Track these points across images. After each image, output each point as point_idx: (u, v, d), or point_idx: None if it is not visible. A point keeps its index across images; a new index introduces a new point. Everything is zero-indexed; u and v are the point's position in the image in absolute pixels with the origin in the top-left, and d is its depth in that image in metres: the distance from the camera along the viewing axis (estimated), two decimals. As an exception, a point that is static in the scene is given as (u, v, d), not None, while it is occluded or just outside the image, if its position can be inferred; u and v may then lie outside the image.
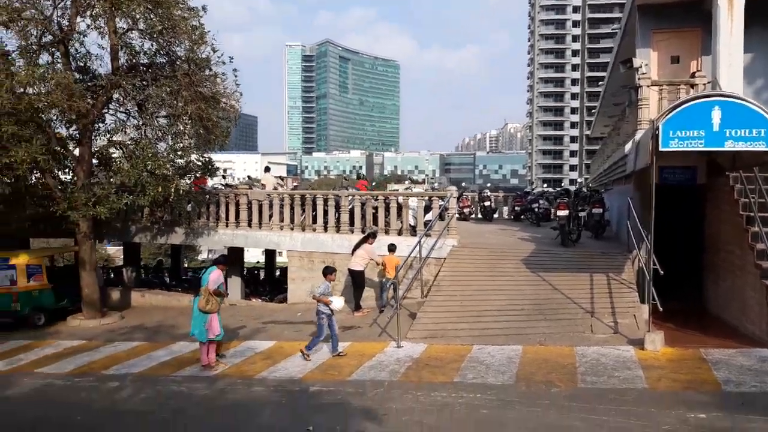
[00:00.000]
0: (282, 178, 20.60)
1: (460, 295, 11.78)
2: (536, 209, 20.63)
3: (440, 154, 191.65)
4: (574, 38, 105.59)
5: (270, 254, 24.80)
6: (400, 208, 15.34)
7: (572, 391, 7.44)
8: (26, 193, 15.37)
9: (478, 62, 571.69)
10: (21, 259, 14.89)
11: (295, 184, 25.16)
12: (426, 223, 14.78)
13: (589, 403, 6.91)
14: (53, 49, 14.91)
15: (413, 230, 15.01)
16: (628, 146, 13.23)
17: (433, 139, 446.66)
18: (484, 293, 11.64)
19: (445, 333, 10.43)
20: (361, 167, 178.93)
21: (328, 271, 10.26)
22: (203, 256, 56.87)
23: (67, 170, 16.19)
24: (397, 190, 23.35)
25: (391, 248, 13.16)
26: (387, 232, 15.03)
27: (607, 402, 6.96)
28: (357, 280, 13.40)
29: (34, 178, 15.64)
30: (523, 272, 12.34)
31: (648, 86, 12.73)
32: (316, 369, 9.15)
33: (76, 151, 15.37)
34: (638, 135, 12.26)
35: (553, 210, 20.94)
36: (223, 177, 18.74)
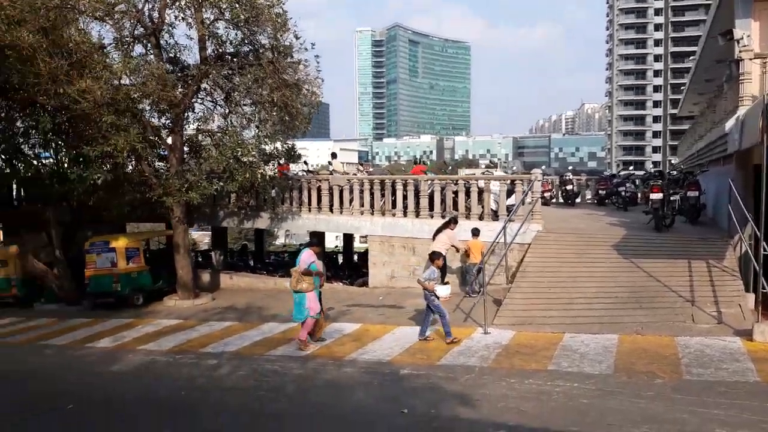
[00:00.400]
0: (361, 164, 20.82)
1: (548, 281, 11.49)
2: (623, 193, 19.76)
3: (513, 137, 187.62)
4: (657, 11, 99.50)
5: (348, 238, 25.20)
6: (480, 192, 15.11)
7: (677, 382, 7.09)
8: (124, 180, 16.31)
9: (553, 40, 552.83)
10: (120, 243, 15.84)
11: (370, 169, 25.40)
12: (508, 208, 14.50)
13: (698, 396, 6.56)
14: (146, 41, 15.64)
15: (495, 215, 14.78)
16: (729, 124, 12.35)
17: (505, 121, 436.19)
18: (574, 280, 11.29)
19: (534, 320, 10.21)
20: (431, 152, 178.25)
21: (436, 257, 10.09)
22: (281, 240, 58.60)
23: (158, 158, 17.06)
24: (474, 174, 23.02)
25: (475, 232, 13.00)
26: (468, 217, 14.86)
27: (716, 395, 6.58)
28: (439, 265, 13.33)
29: (130, 166, 16.59)
30: (614, 258, 11.86)
31: (750, 59, 11.81)
32: (404, 352, 9.21)
33: (169, 140, 16.13)
34: (741, 111, 11.42)
35: (640, 193, 20.05)
36: (305, 163, 19.15)
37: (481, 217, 14.74)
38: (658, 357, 8.03)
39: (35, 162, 17.42)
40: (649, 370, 7.55)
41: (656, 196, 13.64)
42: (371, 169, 26.27)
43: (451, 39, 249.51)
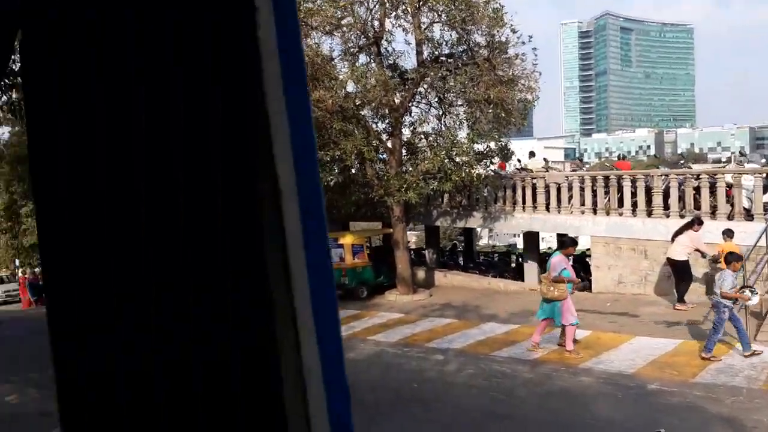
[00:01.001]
0: (580, 160, 19.72)
1: (830, 293, 9.52)
2: None
3: (749, 127, 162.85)
4: None
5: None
6: (729, 187, 13.17)
7: None
8: (350, 181, 17.55)
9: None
10: (347, 239, 17.06)
11: (586, 167, 23.99)
12: (765, 206, 12.42)
13: None
14: (368, 50, 16.59)
15: (748, 214, 12.75)
16: None
17: (739, 110, 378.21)
18: None
19: (813, 339, 8.51)
20: (648, 147, 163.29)
21: (734, 259, 8.45)
22: (484, 240, 58.26)
23: (378, 160, 18.00)
24: (724, 167, 20.31)
25: (729, 234, 11.24)
26: (713, 217, 13.03)
27: None
28: (679, 270, 11.94)
29: (354, 169, 17.78)
30: None
31: None
32: (649, 365, 8.31)
33: (389, 143, 16.92)
34: None
35: None
36: (518, 161, 18.70)
37: (729, 217, 12.81)
38: None
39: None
40: None
41: None
42: (586, 167, 24.82)
43: (670, 22, 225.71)
